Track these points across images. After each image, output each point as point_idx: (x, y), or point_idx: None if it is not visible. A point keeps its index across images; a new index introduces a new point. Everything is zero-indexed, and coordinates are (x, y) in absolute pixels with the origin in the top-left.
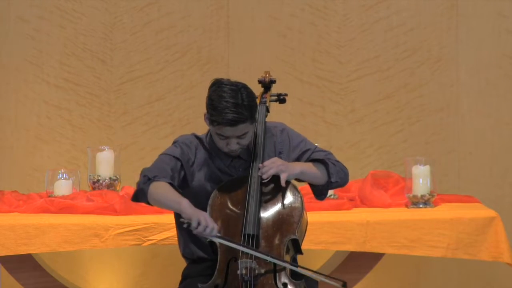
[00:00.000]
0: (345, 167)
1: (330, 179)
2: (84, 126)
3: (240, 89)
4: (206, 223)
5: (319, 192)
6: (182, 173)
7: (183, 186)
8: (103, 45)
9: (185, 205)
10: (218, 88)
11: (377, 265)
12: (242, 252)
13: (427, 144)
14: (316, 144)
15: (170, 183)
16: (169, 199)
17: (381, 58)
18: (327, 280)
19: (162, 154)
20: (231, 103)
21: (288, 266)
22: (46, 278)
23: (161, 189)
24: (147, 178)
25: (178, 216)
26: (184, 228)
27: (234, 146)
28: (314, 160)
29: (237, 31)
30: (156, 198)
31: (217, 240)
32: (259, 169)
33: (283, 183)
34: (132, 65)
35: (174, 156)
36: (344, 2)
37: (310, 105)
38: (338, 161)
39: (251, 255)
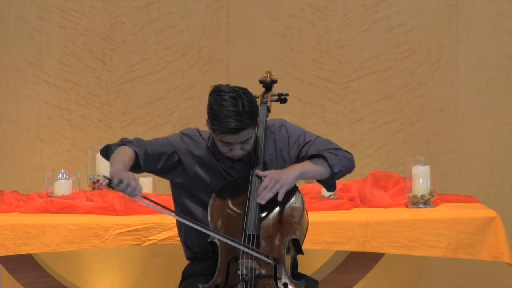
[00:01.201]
0: (348, 152)
1: (333, 170)
2: (84, 126)
3: (240, 95)
4: (128, 182)
5: (327, 184)
6: (176, 159)
7: (174, 173)
8: (103, 45)
9: (117, 165)
10: (218, 96)
11: (377, 265)
12: (243, 252)
13: (427, 144)
14: (317, 135)
15: (136, 153)
16: (113, 158)
17: (381, 58)
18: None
19: (163, 137)
20: (232, 111)
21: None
22: (46, 278)
23: (122, 152)
24: (121, 141)
25: (181, 210)
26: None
27: (237, 151)
28: (312, 156)
29: (237, 31)
30: (112, 157)
31: (141, 201)
32: (258, 176)
33: (280, 198)
34: (132, 65)
35: (171, 143)
36: (344, 2)
37: (310, 105)
38: (338, 149)
39: (251, 255)
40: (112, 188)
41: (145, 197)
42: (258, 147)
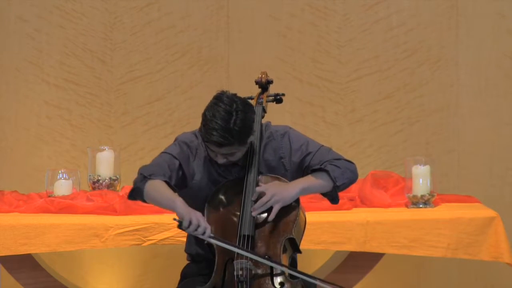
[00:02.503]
0: (350, 163)
1: (335, 184)
2: (84, 126)
3: (237, 112)
4: (198, 223)
5: (331, 197)
6: (181, 172)
7: (182, 185)
8: (103, 45)
9: (179, 204)
10: (215, 104)
11: (377, 265)
12: (238, 253)
13: (427, 144)
14: (321, 145)
15: (166, 182)
16: (164, 197)
17: (381, 58)
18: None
19: (162, 152)
20: (219, 125)
21: (283, 269)
22: (46, 278)
23: (157, 187)
24: (143, 176)
25: None
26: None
27: (221, 160)
28: (314, 169)
29: (237, 31)
30: (152, 196)
31: (211, 241)
32: (256, 184)
33: (272, 217)
34: (132, 65)
35: (173, 155)
36: (344, 2)
37: (310, 105)
38: (340, 159)
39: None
40: (182, 229)
41: (216, 238)
42: (254, 151)
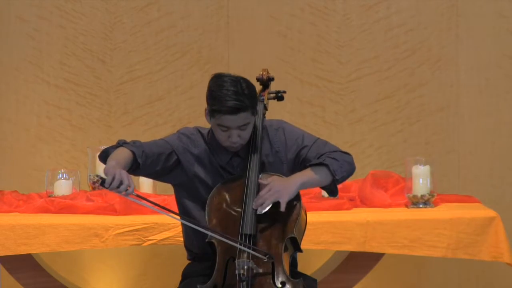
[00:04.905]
0: (347, 154)
1: (335, 177)
2: (84, 126)
3: (240, 80)
4: (121, 179)
5: (329, 191)
6: (174, 159)
7: (177, 172)
8: (103, 45)
9: (109, 164)
10: (218, 79)
11: (377, 265)
12: (240, 251)
13: (427, 144)
14: (316, 137)
15: (133, 152)
16: (108, 160)
17: (381, 58)
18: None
19: (161, 138)
20: (232, 91)
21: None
22: (46, 278)
23: (118, 152)
24: (117, 143)
25: (182, 211)
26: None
27: (235, 138)
28: (313, 164)
29: (237, 31)
30: (108, 159)
31: (134, 200)
32: (257, 183)
33: (283, 209)
34: (132, 65)
35: (168, 142)
36: (344, 2)
37: (310, 105)
38: (336, 151)
39: (248, 254)
40: (105, 187)
41: (139, 196)
42: (256, 142)
